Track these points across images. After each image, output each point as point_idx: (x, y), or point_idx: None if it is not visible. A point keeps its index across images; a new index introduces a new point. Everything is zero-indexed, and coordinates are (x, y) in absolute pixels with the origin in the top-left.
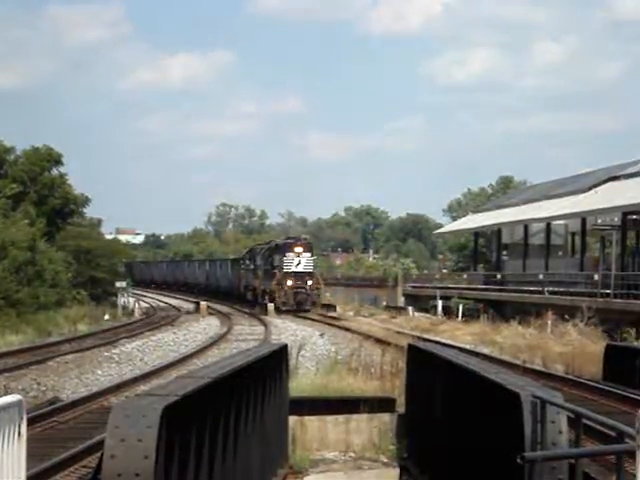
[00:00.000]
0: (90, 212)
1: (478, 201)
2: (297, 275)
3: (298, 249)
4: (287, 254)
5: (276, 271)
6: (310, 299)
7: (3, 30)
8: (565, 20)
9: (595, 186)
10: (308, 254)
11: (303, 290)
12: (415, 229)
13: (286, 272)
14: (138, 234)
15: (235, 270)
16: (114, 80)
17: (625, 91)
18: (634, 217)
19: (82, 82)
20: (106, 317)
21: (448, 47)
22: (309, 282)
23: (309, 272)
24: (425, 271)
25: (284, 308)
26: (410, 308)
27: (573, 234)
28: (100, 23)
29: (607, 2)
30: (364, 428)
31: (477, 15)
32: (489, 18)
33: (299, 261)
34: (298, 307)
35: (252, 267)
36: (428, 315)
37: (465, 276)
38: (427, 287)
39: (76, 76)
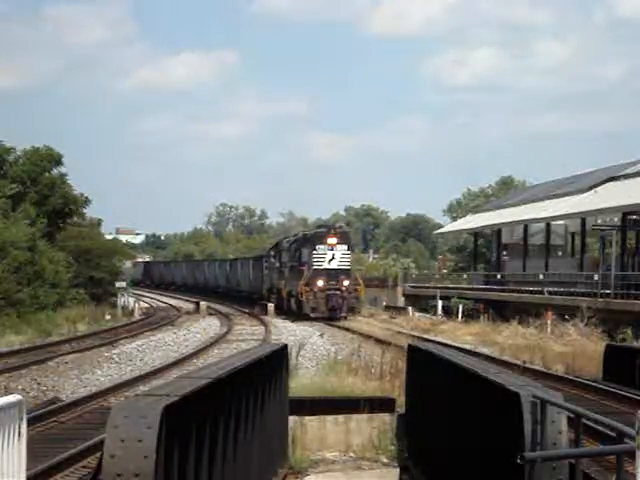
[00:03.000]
0: (90, 212)
1: (478, 201)
2: (330, 273)
3: (331, 240)
4: (318, 247)
5: (304, 268)
6: (347, 304)
7: (4, 29)
8: (566, 20)
9: (595, 186)
10: (344, 246)
11: (338, 292)
12: (415, 229)
13: (316, 269)
14: (138, 234)
15: (257, 270)
16: (115, 80)
17: (627, 91)
18: (634, 217)
19: (83, 82)
20: (107, 317)
21: (449, 47)
22: (345, 282)
23: (345, 269)
24: (425, 271)
25: (313, 315)
26: (410, 308)
27: (573, 234)
28: (102, 22)
29: (608, 2)
30: (364, 428)
31: (478, 15)
32: (490, 18)
33: (332, 255)
34: (331, 314)
35: (277, 265)
36: (428, 315)
37: (465, 276)
38: (427, 287)
39: (77, 76)
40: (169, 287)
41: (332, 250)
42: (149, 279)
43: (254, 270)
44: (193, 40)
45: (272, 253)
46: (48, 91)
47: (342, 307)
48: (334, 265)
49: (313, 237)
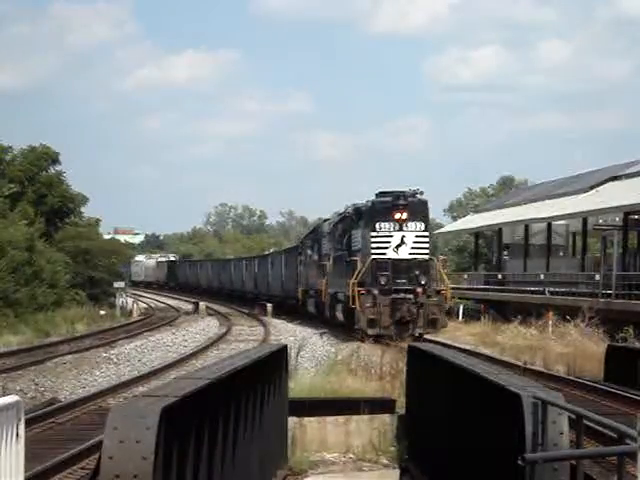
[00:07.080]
0: (89, 212)
1: (479, 201)
2: (398, 267)
3: (399, 214)
4: (378, 225)
5: (356, 259)
6: (424, 315)
7: (6, 28)
8: (570, 19)
9: (596, 186)
10: (420, 224)
11: (410, 297)
12: None
13: (377, 261)
14: (137, 234)
15: (291, 267)
16: (116, 79)
17: (630, 90)
18: (635, 217)
19: (83, 81)
20: (102, 312)
21: (452, 46)
22: (422, 280)
23: (422, 260)
24: None
25: (372, 332)
26: None
27: (574, 234)
28: (105, 21)
29: (612, 0)
30: (364, 429)
31: (482, 14)
32: (493, 17)
33: (402, 238)
34: (400, 332)
35: (315, 258)
36: None
37: (466, 276)
38: None
39: (78, 75)
40: (194, 290)
41: (401, 230)
42: (174, 281)
43: (287, 268)
44: (195, 39)
45: (308, 243)
46: (48, 90)
47: (416, 320)
48: (404, 254)
49: (371, 211)
